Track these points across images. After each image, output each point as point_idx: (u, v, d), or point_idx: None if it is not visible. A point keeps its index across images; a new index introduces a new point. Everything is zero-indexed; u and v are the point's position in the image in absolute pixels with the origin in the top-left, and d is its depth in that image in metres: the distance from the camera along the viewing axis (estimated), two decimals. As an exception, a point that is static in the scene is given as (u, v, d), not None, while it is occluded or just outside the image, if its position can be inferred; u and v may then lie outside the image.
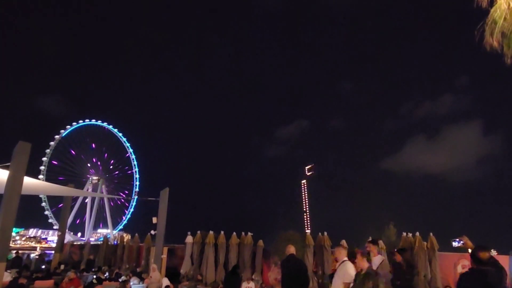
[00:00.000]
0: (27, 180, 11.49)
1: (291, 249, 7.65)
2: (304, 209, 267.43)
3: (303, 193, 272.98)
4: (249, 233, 18.05)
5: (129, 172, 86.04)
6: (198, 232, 18.50)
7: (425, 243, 14.83)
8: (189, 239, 18.43)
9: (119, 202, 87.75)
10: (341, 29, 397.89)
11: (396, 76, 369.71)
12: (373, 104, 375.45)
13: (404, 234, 15.54)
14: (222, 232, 18.19)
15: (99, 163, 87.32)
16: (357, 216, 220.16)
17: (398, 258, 7.18)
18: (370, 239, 9.01)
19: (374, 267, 6.89)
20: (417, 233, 15.10)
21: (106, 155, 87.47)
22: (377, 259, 7.19)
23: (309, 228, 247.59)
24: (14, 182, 10.09)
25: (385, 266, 7.21)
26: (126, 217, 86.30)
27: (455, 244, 13.89)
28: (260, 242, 18.17)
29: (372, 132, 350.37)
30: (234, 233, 18.08)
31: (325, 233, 16.68)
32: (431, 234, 14.86)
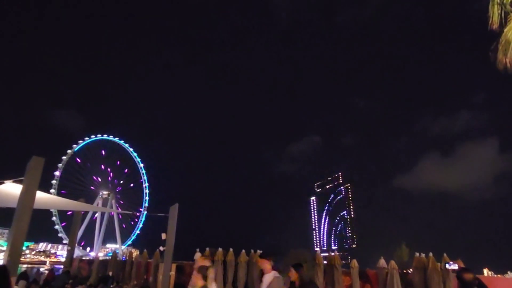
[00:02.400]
0: (39, 195, 11.60)
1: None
2: (313, 227, 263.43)
3: (312, 210, 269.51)
4: (258, 251, 17.83)
5: (139, 187, 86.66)
6: (207, 249, 18.34)
7: (438, 264, 14.45)
8: (197, 255, 18.25)
9: (129, 218, 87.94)
10: (356, 44, 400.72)
11: (410, 92, 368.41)
12: (386, 120, 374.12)
13: (417, 254, 15.18)
14: (231, 250, 18.00)
15: (109, 178, 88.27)
16: (368, 235, 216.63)
17: (293, 276, 6.17)
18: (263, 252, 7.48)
19: (264, 286, 6.18)
20: (430, 254, 14.72)
21: (117, 170, 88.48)
22: (268, 277, 6.21)
23: (317, 246, 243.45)
24: (26, 196, 10.20)
25: (275, 285, 6.15)
26: (135, 232, 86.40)
27: (448, 266, 13.48)
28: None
29: (385, 149, 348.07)
30: (243, 250, 17.90)
31: (336, 252, 16.41)
32: (445, 254, 14.47)
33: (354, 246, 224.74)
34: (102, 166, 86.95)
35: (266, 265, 6.29)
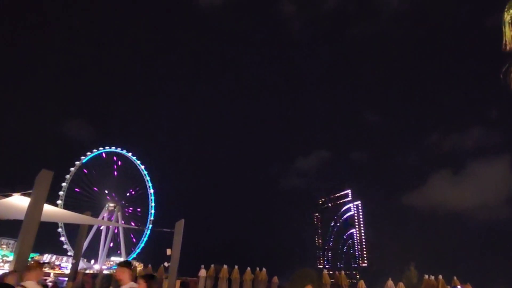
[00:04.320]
0: (46, 208, 11.65)
1: (309, 290, 7.33)
2: (317, 244, 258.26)
3: (316, 227, 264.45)
4: (264, 269, 17.61)
5: (145, 200, 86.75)
6: (212, 265, 18.17)
7: (448, 287, 14.08)
8: (202, 272, 18.08)
9: (133, 232, 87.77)
10: (367, 58, 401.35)
11: (422, 107, 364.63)
12: (397, 135, 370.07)
13: (426, 276, 14.84)
14: (236, 267, 17.80)
15: (116, 190, 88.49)
16: (377, 254, 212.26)
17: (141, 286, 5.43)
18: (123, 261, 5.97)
19: None
20: (440, 276, 14.37)
21: (124, 182, 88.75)
22: None
23: (321, 263, 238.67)
24: (34, 210, 10.25)
25: None
26: (139, 246, 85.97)
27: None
28: (275, 279, 17.69)
29: (394, 165, 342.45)
30: (249, 268, 17.70)
31: (342, 272, 16.14)
32: (455, 278, 14.12)
33: (364, 265, 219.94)
34: (109, 178, 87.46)
35: (124, 274, 5.77)
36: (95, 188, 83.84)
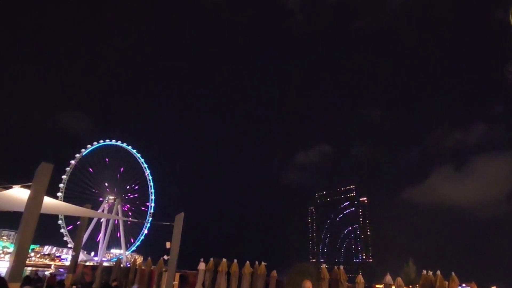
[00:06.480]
0: (46, 200, 11.66)
1: (308, 285, 7.33)
2: (310, 236, 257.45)
3: (310, 220, 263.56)
4: (263, 263, 17.67)
5: (145, 194, 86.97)
6: (211, 259, 18.23)
7: (446, 282, 14.12)
8: (201, 266, 18.16)
9: (132, 225, 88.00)
10: (370, 53, 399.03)
11: (425, 103, 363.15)
12: (399, 131, 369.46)
13: (424, 271, 14.89)
14: (236, 261, 17.86)
15: (116, 183, 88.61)
16: (379, 249, 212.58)
17: None
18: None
19: None
20: (438, 272, 14.42)
21: (124, 175, 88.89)
22: None
23: (314, 256, 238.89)
24: (34, 202, 10.25)
25: None
26: (139, 239, 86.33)
27: (459, 289, 13.07)
28: (274, 273, 17.76)
29: (396, 160, 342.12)
30: (248, 262, 17.74)
31: (341, 267, 16.18)
32: (453, 273, 14.16)
33: (369, 260, 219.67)
34: (110, 171, 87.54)
35: None
36: (95, 181, 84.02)
